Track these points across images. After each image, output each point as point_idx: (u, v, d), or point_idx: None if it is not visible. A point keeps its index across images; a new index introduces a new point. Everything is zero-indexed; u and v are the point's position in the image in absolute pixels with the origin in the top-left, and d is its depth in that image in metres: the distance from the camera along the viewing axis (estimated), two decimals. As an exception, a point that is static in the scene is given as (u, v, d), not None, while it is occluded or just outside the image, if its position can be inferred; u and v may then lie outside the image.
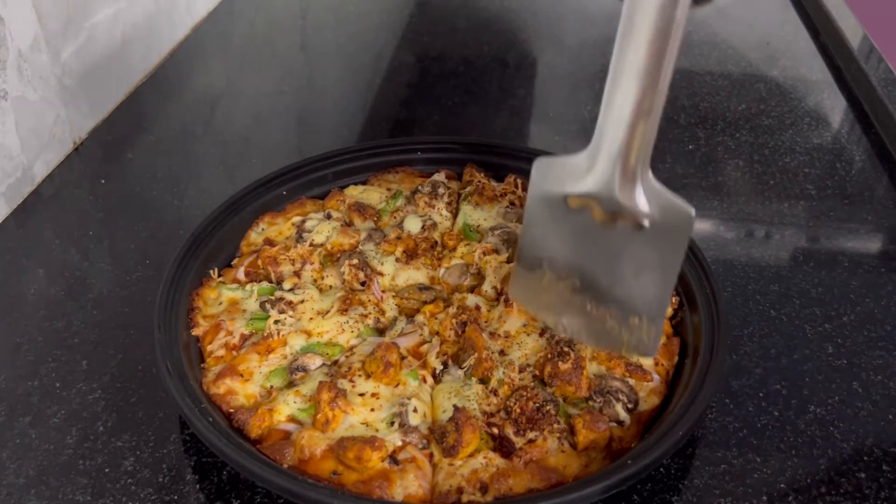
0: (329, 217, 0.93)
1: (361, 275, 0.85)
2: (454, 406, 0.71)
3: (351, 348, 0.78)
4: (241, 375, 0.75)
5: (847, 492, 0.71)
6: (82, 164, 1.12)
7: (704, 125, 1.25)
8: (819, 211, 1.07)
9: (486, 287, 0.86)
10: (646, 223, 0.62)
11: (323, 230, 0.91)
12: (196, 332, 0.80)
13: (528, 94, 1.35)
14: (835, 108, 1.32)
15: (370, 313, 0.82)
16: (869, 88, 1.29)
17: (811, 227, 1.04)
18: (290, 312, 0.81)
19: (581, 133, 1.24)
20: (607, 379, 0.73)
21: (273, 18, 1.61)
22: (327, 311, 0.81)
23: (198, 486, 0.70)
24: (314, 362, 0.76)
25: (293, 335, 0.78)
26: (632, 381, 0.74)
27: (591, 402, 0.72)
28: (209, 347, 0.78)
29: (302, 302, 0.82)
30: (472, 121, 1.25)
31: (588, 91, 1.34)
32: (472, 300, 0.84)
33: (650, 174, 0.62)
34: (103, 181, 1.10)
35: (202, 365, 0.77)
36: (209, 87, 1.35)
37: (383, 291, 0.85)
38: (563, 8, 1.66)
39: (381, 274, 0.87)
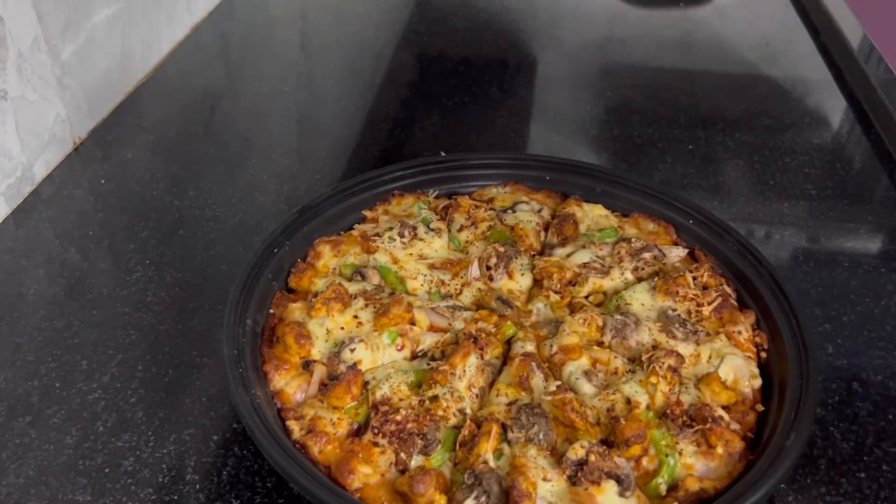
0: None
1: (495, 260, 0.86)
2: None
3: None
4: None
5: (847, 492, 0.71)
6: (82, 164, 1.12)
7: (704, 125, 1.25)
8: (819, 211, 1.07)
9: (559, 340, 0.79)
10: None
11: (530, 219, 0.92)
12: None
13: (528, 94, 1.35)
14: (835, 108, 1.32)
15: (449, 284, 0.86)
16: (869, 89, 1.29)
17: (811, 227, 1.04)
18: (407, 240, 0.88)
19: (581, 133, 1.24)
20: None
21: (273, 18, 1.61)
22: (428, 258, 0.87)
23: (198, 486, 0.70)
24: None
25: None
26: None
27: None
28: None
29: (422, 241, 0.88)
30: (472, 121, 1.25)
31: (588, 91, 1.34)
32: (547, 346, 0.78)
33: None
34: (103, 181, 1.09)
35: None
36: (209, 87, 1.35)
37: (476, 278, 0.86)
38: (562, 8, 1.65)
39: (510, 276, 0.86)
